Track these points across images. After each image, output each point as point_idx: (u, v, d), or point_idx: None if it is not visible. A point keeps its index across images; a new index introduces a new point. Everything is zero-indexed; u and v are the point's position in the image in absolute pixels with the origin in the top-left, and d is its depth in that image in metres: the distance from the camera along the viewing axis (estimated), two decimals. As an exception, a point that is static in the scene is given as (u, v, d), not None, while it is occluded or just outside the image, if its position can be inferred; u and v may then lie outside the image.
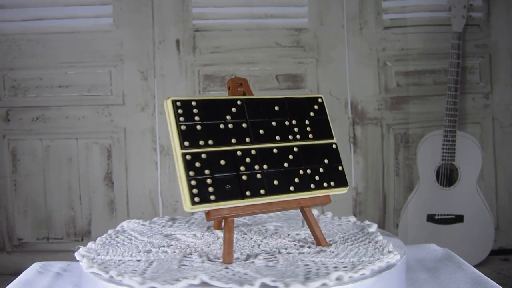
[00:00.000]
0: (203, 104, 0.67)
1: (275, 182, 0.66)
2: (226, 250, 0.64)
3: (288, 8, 2.35)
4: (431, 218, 2.21)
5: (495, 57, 2.38)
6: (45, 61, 2.29)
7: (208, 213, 0.64)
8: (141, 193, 2.32)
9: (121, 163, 2.32)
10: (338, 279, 0.56)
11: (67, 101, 2.31)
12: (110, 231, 0.82)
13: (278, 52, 2.34)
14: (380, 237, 0.73)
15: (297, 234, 0.78)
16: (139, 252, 0.69)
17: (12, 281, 0.82)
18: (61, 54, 2.29)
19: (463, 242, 2.18)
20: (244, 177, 0.64)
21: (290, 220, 0.88)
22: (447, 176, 2.21)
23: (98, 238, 0.76)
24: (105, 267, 0.62)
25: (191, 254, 0.68)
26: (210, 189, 0.63)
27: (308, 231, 0.78)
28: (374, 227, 0.80)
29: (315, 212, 0.88)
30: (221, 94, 2.32)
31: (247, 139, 0.67)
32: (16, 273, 0.89)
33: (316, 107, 0.76)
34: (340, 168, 0.72)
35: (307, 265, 0.62)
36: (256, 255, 0.66)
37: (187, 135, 0.65)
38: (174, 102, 0.65)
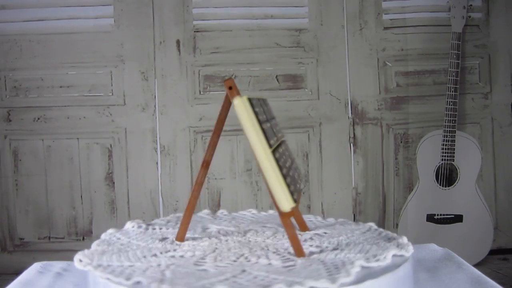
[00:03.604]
0: (258, 103, 0.65)
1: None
2: (295, 246, 0.66)
3: (288, 8, 2.36)
4: (430, 218, 2.22)
5: (494, 57, 2.38)
6: (46, 62, 2.30)
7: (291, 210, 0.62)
8: (142, 193, 2.33)
9: (122, 163, 2.33)
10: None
11: (68, 102, 2.31)
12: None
13: (278, 52, 2.35)
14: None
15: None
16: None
17: (13, 280, 0.82)
18: (62, 55, 2.30)
19: (462, 242, 2.19)
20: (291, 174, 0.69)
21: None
22: (447, 176, 2.22)
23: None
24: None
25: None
26: (292, 187, 0.62)
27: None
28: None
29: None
30: (221, 94, 2.32)
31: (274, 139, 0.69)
32: (18, 273, 0.90)
33: None
34: None
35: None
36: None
37: (267, 135, 0.61)
38: (250, 100, 0.62)
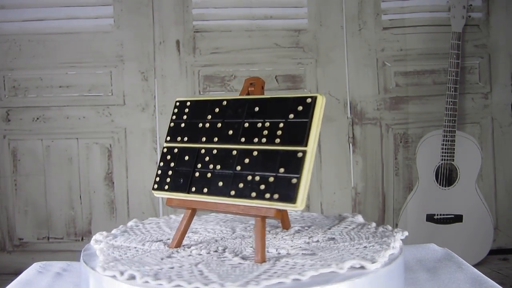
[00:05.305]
0: (194, 104, 0.73)
1: (220, 184, 0.65)
2: (175, 236, 0.71)
3: (287, 9, 2.36)
4: (430, 218, 2.22)
5: (494, 57, 2.38)
6: (45, 62, 2.30)
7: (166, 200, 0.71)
8: (141, 193, 2.33)
9: (122, 163, 2.33)
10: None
11: (68, 101, 2.31)
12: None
13: (277, 53, 2.35)
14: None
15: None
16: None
17: (12, 280, 0.82)
18: (61, 55, 2.30)
19: (462, 242, 2.19)
20: (196, 174, 0.68)
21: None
22: (447, 176, 2.22)
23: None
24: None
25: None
26: (168, 180, 0.71)
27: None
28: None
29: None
30: (221, 94, 2.32)
31: (215, 139, 0.69)
32: (17, 273, 0.90)
33: (300, 108, 0.64)
34: (293, 180, 0.60)
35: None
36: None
37: (172, 131, 0.73)
38: (176, 102, 0.75)
